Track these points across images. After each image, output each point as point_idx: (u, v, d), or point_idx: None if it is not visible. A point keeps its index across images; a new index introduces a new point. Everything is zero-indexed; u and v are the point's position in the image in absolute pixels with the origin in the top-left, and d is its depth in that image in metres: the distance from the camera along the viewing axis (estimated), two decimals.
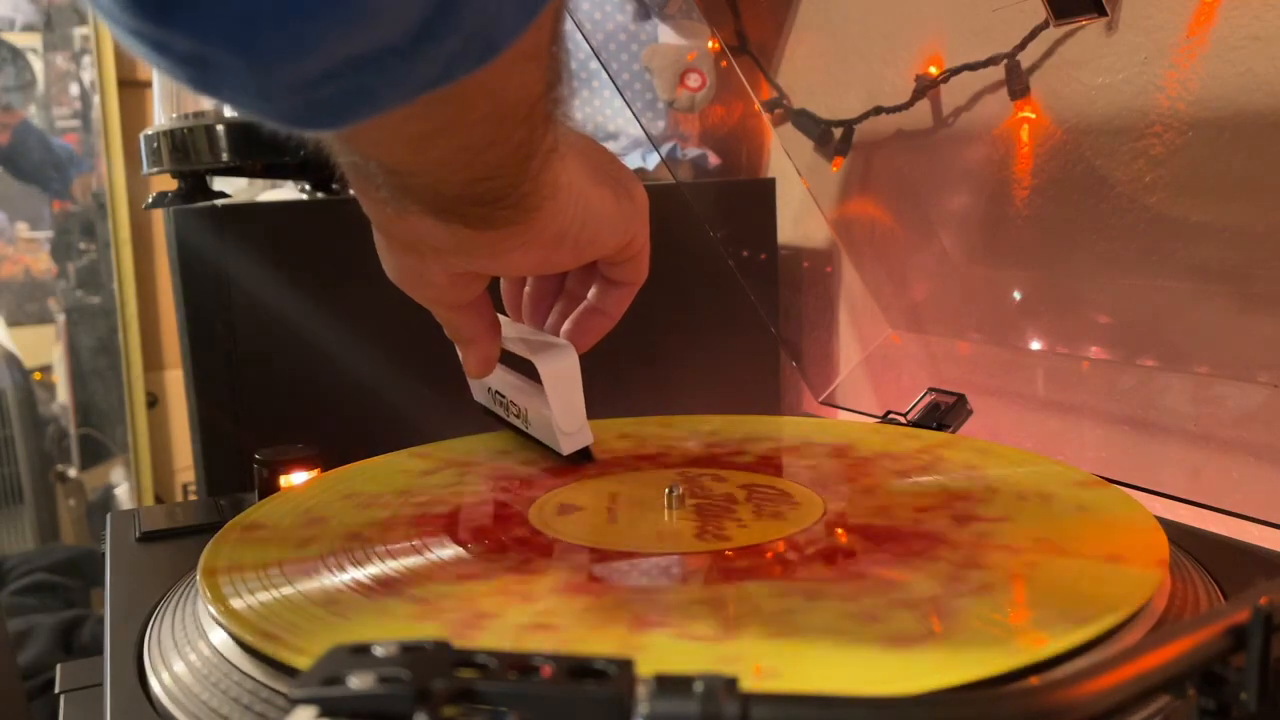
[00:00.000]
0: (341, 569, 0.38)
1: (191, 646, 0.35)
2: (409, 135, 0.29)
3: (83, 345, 2.00)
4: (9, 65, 2.00)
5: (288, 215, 0.70)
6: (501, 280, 0.48)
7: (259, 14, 0.20)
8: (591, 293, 0.46)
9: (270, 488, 0.50)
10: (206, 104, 0.77)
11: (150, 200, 0.74)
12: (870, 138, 0.72)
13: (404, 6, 0.22)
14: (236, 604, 0.35)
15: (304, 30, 0.21)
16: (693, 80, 0.88)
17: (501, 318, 0.46)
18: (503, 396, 0.50)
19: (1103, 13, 0.53)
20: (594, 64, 0.89)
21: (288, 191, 0.95)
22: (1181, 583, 0.36)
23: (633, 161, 0.88)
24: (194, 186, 0.72)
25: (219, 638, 0.34)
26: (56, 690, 0.43)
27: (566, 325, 0.47)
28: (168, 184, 0.74)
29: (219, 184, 0.74)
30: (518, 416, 0.50)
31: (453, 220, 0.35)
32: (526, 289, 0.48)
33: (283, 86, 0.23)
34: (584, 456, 0.49)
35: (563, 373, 0.46)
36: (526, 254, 0.38)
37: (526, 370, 0.48)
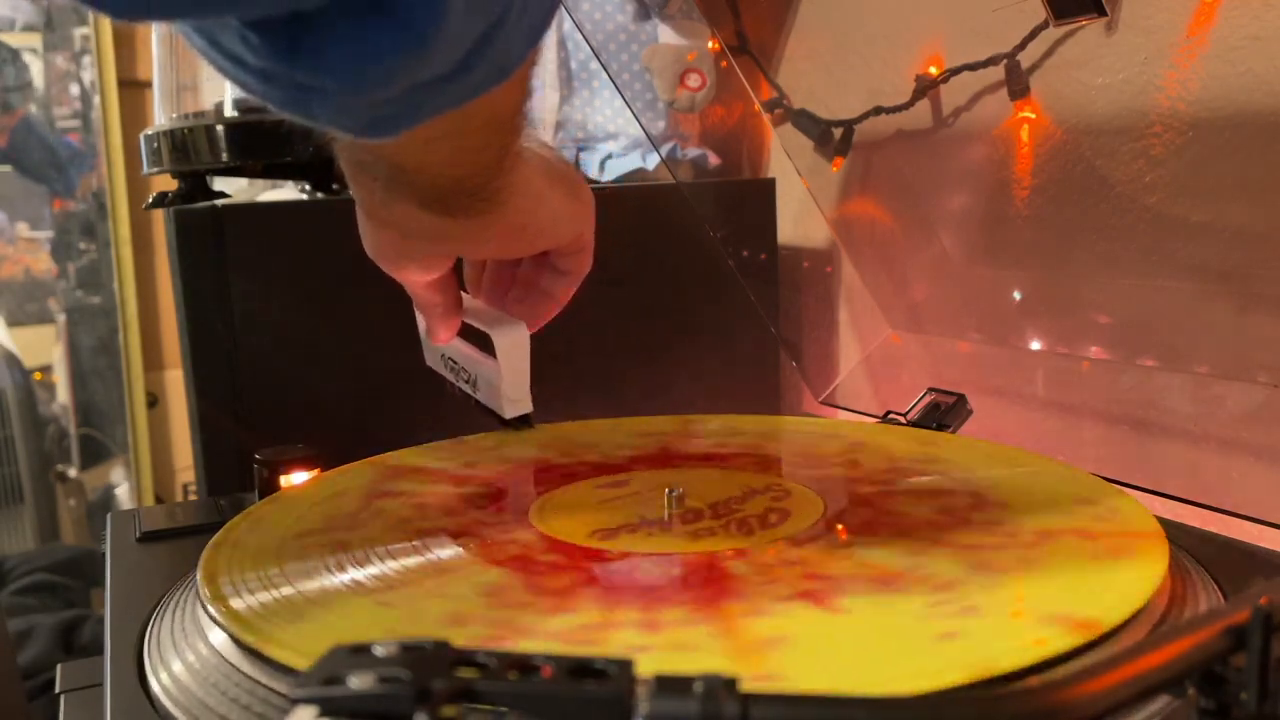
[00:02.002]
0: (341, 569, 0.38)
1: (191, 647, 0.35)
2: (424, 138, 0.35)
3: (83, 345, 2.00)
4: (9, 66, 2.00)
5: (288, 215, 0.70)
6: (464, 263, 0.53)
7: (365, 54, 0.26)
8: (544, 280, 0.52)
9: (270, 488, 0.50)
10: (207, 104, 0.77)
11: (150, 200, 0.74)
12: (870, 138, 0.72)
13: (456, 46, 0.28)
14: (236, 604, 0.35)
15: (394, 66, 0.27)
16: (693, 80, 0.88)
17: (463, 294, 0.52)
18: (455, 363, 0.55)
19: (1103, 13, 0.53)
20: (594, 64, 0.89)
21: (288, 191, 0.95)
22: (1181, 583, 0.36)
23: (633, 161, 0.88)
24: (194, 186, 0.72)
25: (219, 638, 0.34)
26: (56, 690, 0.43)
27: (520, 307, 0.52)
28: (168, 184, 0.74)
29: (219, 184, 0.74)
30: (467, 382, 0.55)
31: (437, 210, 0.40)
32: (486, 272, 0.54)
33: (364, 106, 0.29)
34: (523, 423, 0.55)
35: (515, 345, 0.51)
36: (494, 241, 0.44)
37: (480, 343, 0.53)
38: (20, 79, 2.01)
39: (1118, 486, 0.44)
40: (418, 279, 0.47)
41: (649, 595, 0.35)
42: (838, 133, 0.74)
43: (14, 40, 2.01)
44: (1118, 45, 0.54)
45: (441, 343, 0.53)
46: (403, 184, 0.39)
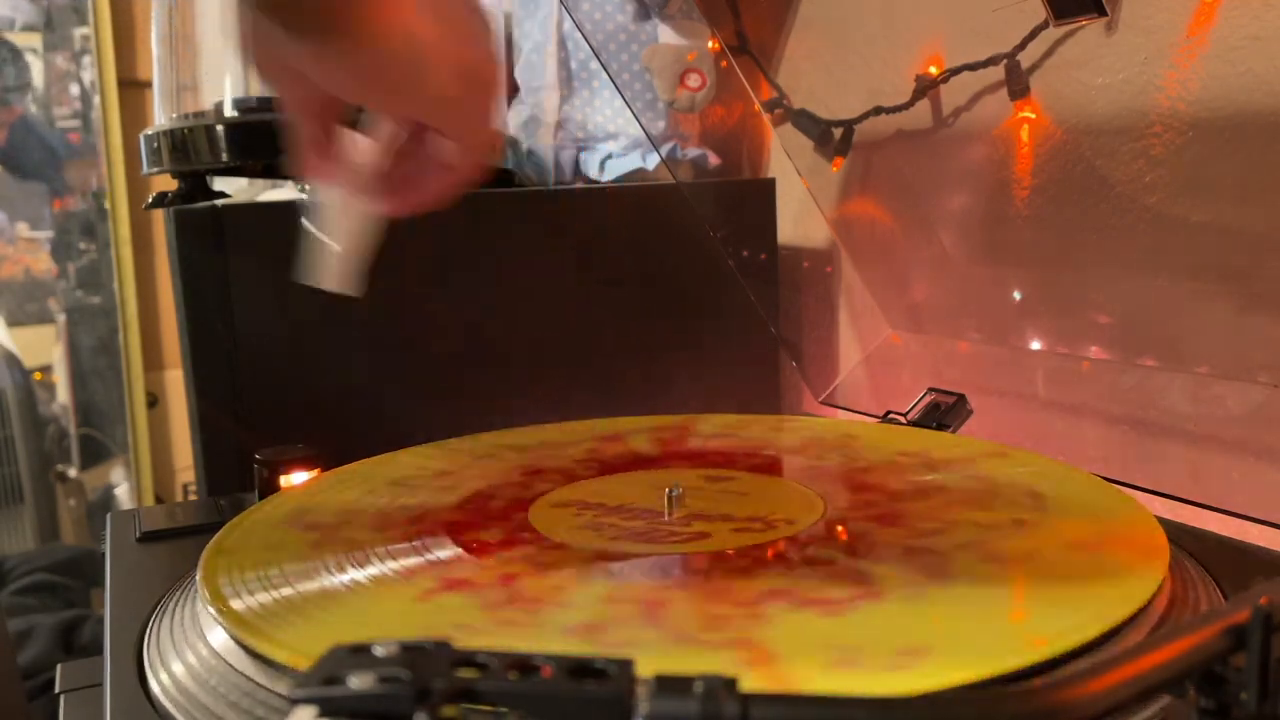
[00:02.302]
0: (341, 569, 0.38)
1: (191, 647, 0.35)
2: None
3: (83, 345, 2.00)
4: (9, 65, 2.00)
5: (288, 215, 0.69)
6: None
7: None
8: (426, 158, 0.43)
9: (270, 488, 0.50)
10: (207, 104, 0.77)
11: (150, 200, 0.74)
12: (870, 138, 0.72)
13: None
14: (236, 604, 0.35)
15: None
16: (693, 80, 0.88)
17: (361, 139, 0.43)
18: (314, 212, 0.46)
19: (1103, 13, 0.53)
20: (594, 64, 0.89)
21: (288, 191, 0.95)
22: (1181, 583, 0.36)
23: (633, 162, 0.88)
24: (194, 186, 0.72)
25: (218, 638, 0.34)
26: (56, 690, 0.43)
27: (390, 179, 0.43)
28: (168, 184, 0.74)
29: (219, 184, 0.74)
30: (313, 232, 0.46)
31: (262, 9, 0.35)
32: (387, 134, 0.44)
33: None
34: (346, 301, 0.45)
35: (349, 211, 0.43)
36: (341, 77, 0.37)
37: None
38: (20, 79, 2.01)
39: (1118, 486, 0.44)
40: (289, 95, 0.40)
41: (649, 595, 0.35)
42: (838, 133, 0.74)
43: (13, 40, 2.01)
44: (1118, 45, 0.54)
45: (298, 171, 0.44)
46: None
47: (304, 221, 0.46)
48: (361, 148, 0.44)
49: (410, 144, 0.43)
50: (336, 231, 0.44)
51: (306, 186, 0.46)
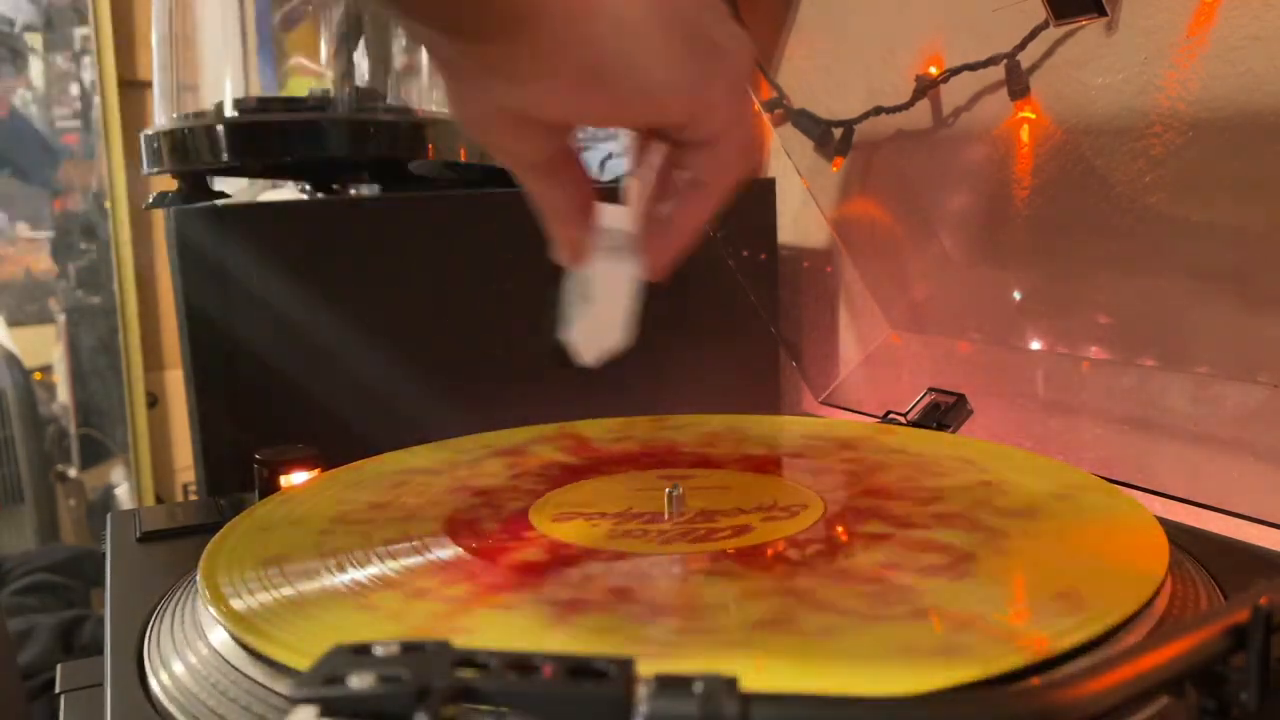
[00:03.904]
0: (341, 569, 0.38)
1: (191, 647, 0.35)
2: None
3: (83, 345, 2.00)
4: (8, 65, 2.00)
5: (288, 215, 0.70)
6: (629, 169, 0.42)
7: None
8: (674, 197, 0.38)
9: (270, 488, 0.50)
10: (207, 104, 0.77)
11: (150, 200, 0.74)
12: (870, 138, 0.72)
13: None
14: (236, 604, 0.35)
15: None
16: None
17: (613, 209, 0.40)
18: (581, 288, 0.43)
19: (1103, 13, 0.53)
20: None
21: (288, 191, 0.95)
22: (1181, 583, 0.36)
23: None
24: (194, 186, 0.72)
25: (219, 638, 0.34)
26: (56, 690, 0.43)
27: (655, 234, 0.39)
28: (168, 184, 0.74)
29: (219, 184, 0.74)
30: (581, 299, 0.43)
31: (428, 22, 0.32)
32: (644, 182, 0.40)
33: None
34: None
35: (614, 278, 0.40)
36: (551, 89, 0.32)
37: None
38: (21, 74, 2.01)
39: (1118, 486, 0.44)
40: (511, 153, 0.36)
41: (649, 595, 0.35)
42: (838, 133, 0.74)
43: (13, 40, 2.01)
44: (1118, 45, 0.54)
45: (565, 263, 0.40)
46: None
47: (565, 299, 0.43)
48: (613, 212, 0.40)
49: (658, 184, 0.39)
50: (604, 302, 0.41)
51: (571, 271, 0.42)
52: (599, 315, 0.41)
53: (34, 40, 2.02)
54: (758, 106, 0.79)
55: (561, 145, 0.36)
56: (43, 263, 2.06)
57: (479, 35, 0.31)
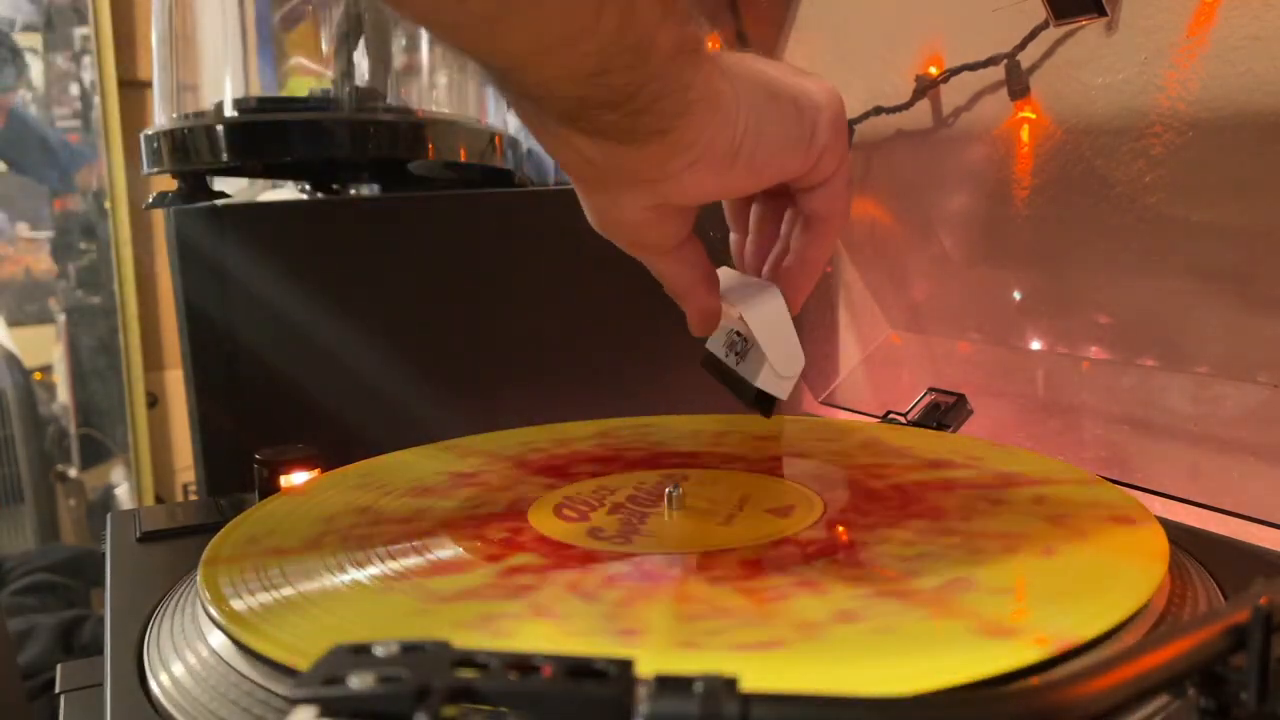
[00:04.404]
0: (341, 569, 0.38)
1: (191, 647, 0.35)
2: (475, 15, 0.30)
3: (83, 345, 2.00)
4: (8, 65, 2.00)
5: (288, 215, 0.70)
6: (731, 236, 0.47)
7: None
8: (793, 237, 0.43)
9: (270, 488, 0.50)
10: (207, 104, 0.77)
11: (150, 200, 0.74)
12: (870, 138, 0.72)
13: None
14: (236, 605, 0.35)
15: None
16: None
17: (724, 270, 0.45)
18: (737, 335, 0.47)
19: (1103, 13, 0.53)
20: None
21: (288, 191, 0.95)
22: (1181, 583, 0.36)
23: None
24: (194, 186, 0.72)
25: (218, 639, 0.34)
26: (56, 690, 0.43)
27: (783, 274, 0.44)
28: (168, 184, 0.74)
29: (219, 184, 0.74)
30: (739, 357, 0.47)
31: (594, 133, 0.34)
32: (748, 238, 0.46)
33: None
34: (767, 405, 0.46)
35: (769, 316, 0.43)
36: (697, 174, 0.36)
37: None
38: (22, 75, 2.01)
39: (1118, 486, 0.44)
40: (648, 246, 0.40)
41: (649, 595, 0.35)
42: None
43: (14, 40, 2.01)
44: (1118, 45, 0.54)
45: (698, 334, 0.45)
46: (527, 95, 0.33)
47: (715, 369, 0.48)
48: (725, 273, 0.45)
49: (765, 227, 0.44)
50: (771, 340, 0.44)
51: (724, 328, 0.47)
52: (774, 352, 0.44)
53: (34, 40, 2.02)
54: None
55: (690, 227, 0.40)
56: (43, 263, 2.06)
57: (634, 137, 0.34)
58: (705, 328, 0.43)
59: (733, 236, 0.46)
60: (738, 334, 0.47)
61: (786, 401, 0.80)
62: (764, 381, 0.45)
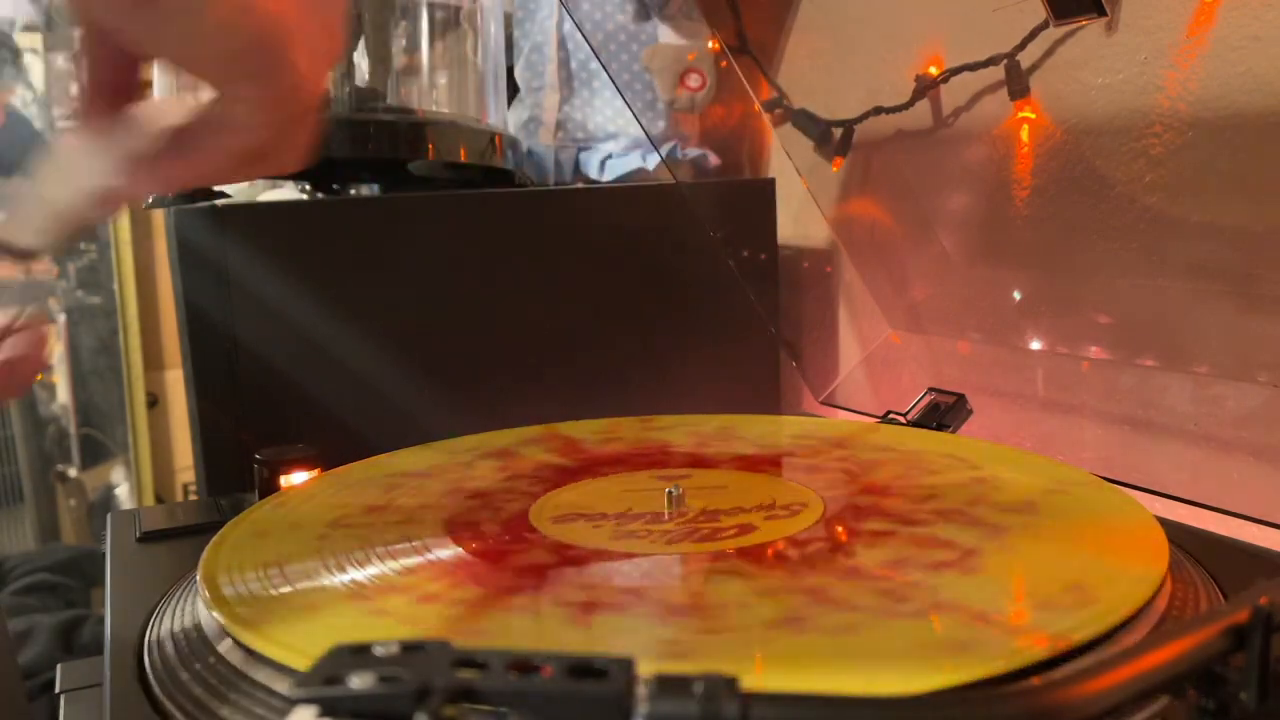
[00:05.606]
0: (341, 569, 0.38)
1: (191, 647, 0.35)
2: None
3: (83, 345, 2.00)
4: (9, 65, 2.00)
5: (288, 215, 0.70)
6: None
7: None
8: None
9: (270, 488, 0.50)
10: None
11: (150, 200, 0.74)
12: (870, 138, 0.72)
13: None
14: (236, 605, 0.35)
15: None
16: (693, 80, 0.88)
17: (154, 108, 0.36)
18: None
19: (1103, 13, 0.53)
20: (594, 64, 0.89)
21: (288, 191, 0.95)
22: (1181, 583, 0.36)
23: (633, 162, 0.88)
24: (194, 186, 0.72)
25: (219, 639, 0.34)
26: (56, 690, 0.43)
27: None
28: None
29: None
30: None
31: None
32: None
33: None
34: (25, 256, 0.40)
35: (59, 153, 0.36)
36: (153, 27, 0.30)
37: None
38: (21, 77, 2.01)
39: (1118, 486, 0.44)
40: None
41: (649, 595, 0.35)
42: (838, 133, 0.74)
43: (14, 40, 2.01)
44: (1118, 45, 0.54)
45: (75, 117, 0.37)
46: None
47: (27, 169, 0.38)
48: (150, 112, 0.36)
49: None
50: (60, 184, 0.36)
51: None
52: (56, 195, 0.36)
53: (34, 40, 2.02)
54: (757, 107, 0.79)
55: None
56: (43, 263, 2.06)
57: None
58: (89, 123, 0.36)
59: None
60: None
61: (785, 401, 0.79)
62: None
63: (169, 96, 0.37)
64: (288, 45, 0.32)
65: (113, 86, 0.36)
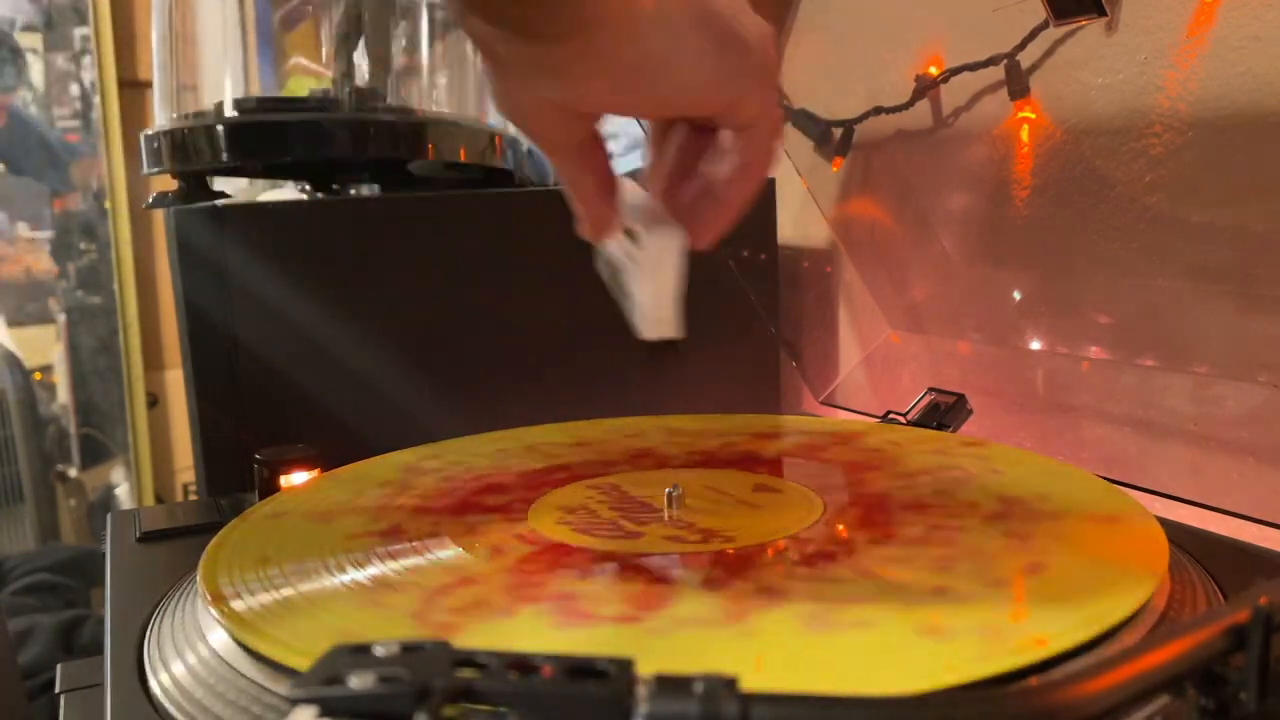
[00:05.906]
0: (341, 569, 0.38)
1: (191, 647, 0.35)
2: None
3: (83, 345, 2.00)
4: (9, 65, 2.00)
5: (288, 215, 0.70)
6: (648, 154, 0.44)
7: None
8: (711, 175, 0.41)
9: (270, 488, 0.50)
10: (207, 104, 0.77)
11: (150, 200, 0.74)
12: (870, 138, 0.72)
13: None
14: (236, 605, 0.35)
15: None
16: None
17: (630, 184, 0.43)
18: (613, 267, 0.45)
19: (1103, 13, 0.53)
20: None
21: (288, 191, 0.95)
22: (1181, 583, 0.36)
23: (633, 162, 0.88)
24: (194, 186, 0.72)
25: (218, 638, 0.34)
26: (56, 690, 0.43)
27: (690, 211, 0.42)
28: (168, 184, 0.74)
29: (219, 184, 0.74)
30: (619, 288, 0.45)
31: (498, 22, 0.33)
32: (662, 158, 0.43)
33: None
34: (668, 348, 0.46)
35: (662, 252, 0.42)
36: (595, 85, 0.35)
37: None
38: (23, 77, 2.01)
39: (1118, 486, 0.44)
40: (544, 137, 0.39)
41: (649, 595, 0.35)
42: (838, 133, 0.74)
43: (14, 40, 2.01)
44: (1118, 45, 0.54)
45: (589, 238, 0.43)
46: None
47: (610, 279, 0.45)
48: (632, 189, 0.43)
49: (686, 158, 0.41)
50: (647, 279, 0.43)
51: (608, 250, 0.44)
52: (647, 289, 0.43)
53: (34, 40, 2.02)
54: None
55: (592, 130, 0.39)
56: (43, 263, 2.06)
57: (540, 36, 0.33)
58: (593, 234, 0.42)
59: (649, 155, 0.44)
60: (611, 263, 0.45)
61: (785, 401, 0.79)
62: (645, 329, 0.44)
63: (633, 184, 0.43)
64: (735, 26, 0.36)
65: (604, 184, 0.41)
